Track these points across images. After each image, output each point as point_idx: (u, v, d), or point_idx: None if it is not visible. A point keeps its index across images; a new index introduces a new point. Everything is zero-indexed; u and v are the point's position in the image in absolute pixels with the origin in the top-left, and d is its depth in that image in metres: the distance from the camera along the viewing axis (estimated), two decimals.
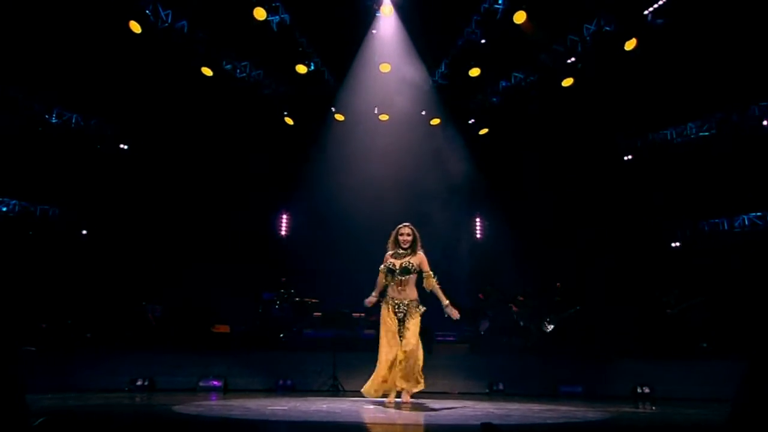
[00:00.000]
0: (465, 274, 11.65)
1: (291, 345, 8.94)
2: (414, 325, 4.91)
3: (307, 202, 11.76)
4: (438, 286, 5.00)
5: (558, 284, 9.55)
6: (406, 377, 4.88)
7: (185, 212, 10.84)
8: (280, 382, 7.43)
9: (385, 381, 4.94)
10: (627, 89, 9.91)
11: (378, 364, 5.01)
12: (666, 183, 10.48)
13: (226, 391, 7.22)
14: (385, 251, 5.16)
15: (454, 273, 11.59)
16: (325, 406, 4.99)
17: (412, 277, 4.98)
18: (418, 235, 5.07)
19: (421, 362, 5.00)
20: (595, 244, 10.43)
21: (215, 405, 5.19)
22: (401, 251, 4.99)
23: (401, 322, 4.92)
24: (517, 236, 11.18)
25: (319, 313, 9.77)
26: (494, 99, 11.44)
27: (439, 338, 9.03)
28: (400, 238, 4.98)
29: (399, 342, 4.89)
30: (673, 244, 10.81)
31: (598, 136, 10.87)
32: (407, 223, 5.07)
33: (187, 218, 10.83)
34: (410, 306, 4.94)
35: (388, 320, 4.97)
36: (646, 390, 7.16)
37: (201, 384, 7.29)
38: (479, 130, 11.95)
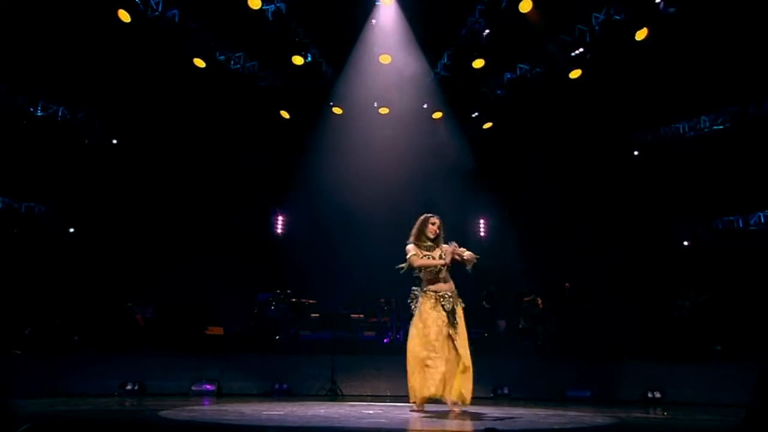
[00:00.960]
0: (470, 275, 11.61)
1: (287, 347, 8.95)
2: (462, 323, 4.78)
3: (304, 198, 11.76)
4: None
5: (567, 284, 9.55)
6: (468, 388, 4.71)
7: (177, 209, 10.83)
8: (276, 386, 7.43)
9: (443, 382, 4.63)
10: (637, 81, 9.87)
11: (417, 364, 4.74)
12: (678, 179, 10.46)
13: (220, 395, 7.22)
14: (406, 243, 5.00)
15: (459, 274, 11.56)
16: (322, 411, 4.98)
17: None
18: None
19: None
20: (603, 242, 10.42)
21: (208, 410, 5.19)
22: (428, 243, 4.88)
23: (450, 314, 4.72)
24: (522, 233, 11.16)
25: (317, 314, 9.77)
26: (499, 91, 11.41)
27: None
28: (431, 227, 4.85)
29: (451, 342, 4.69)
30: (685, 243, 10.80)
31: (606, 130, 10.84)
32: (436, 214, 4.99)
33: (178, 215, 10.81)
34: (455, 297, 4.84)
35: (433, 314, 4.73)
36: (657, 394, 7.15)
37: (193, 388, 7.30)
38: (483, 124, 11.93)
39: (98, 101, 10.17)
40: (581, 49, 9.90)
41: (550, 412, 5.39)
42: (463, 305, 4.90)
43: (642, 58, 9.52)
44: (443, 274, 4.83)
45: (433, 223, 4.88)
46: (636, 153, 11.10)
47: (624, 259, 10.23)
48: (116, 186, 10.50)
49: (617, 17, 9.27)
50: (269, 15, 9.53)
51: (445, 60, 11.02)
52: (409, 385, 4.85)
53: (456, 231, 12.41)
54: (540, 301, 9.65)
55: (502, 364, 8.00)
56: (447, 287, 4.82)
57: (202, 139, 10.93)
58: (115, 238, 10.47)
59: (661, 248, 10.57)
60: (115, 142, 10.68)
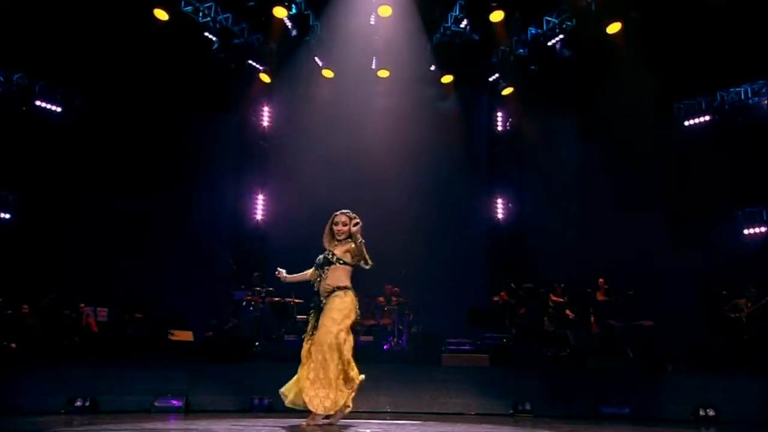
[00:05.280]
0: (484, 266, 11.59)
1: (269, 355, 8.89)
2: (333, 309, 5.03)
3: (287, 178, 11.64)
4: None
5: (601, 280, 9.50)
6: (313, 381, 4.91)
7: (135, 191, 10.66)
8: (256, 400, 7.43)
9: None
10: (689, 36, 9.67)
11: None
12: (738, 155, 10.31)
13: (188, 411, 7.19)
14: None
15: (470, 266, 11.57)
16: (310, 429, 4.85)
17: (336, 269, 5.12)
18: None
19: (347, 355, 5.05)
20: (647, 229, 10.32)
21: (174, 429, 5.10)
22: (337, 243, 5.15)
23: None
24: (549, 218, 11.09)
25: (304, 316, 9.68)
26: (521, 50, 11.31)
27: (452, 347, 8.98)
28: (335, 228, 5.10)
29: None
30: (746, 231, 10.67)
31: (651, 95, 10.62)
32: (345, 210, 5.16)
33: (138, 198, 10.65)
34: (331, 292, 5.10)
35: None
36: (711, 412, 7.08)
37: (157, 404, 7.25)
38: (502, 89, 11.81)
39: (39, 62, 9.97)
40: None
41: None
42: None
43: (695, 8, 9.32)
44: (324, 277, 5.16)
45: (337, 223, 5.10)
46: (687, 123, 10.99)
47: (672, 250, 10.14)
48: (62, 162, 10.35)
49: None
50: None
51: (457, 12, 10.88)
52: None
53: (469, 214, 12.36)
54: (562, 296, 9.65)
55: (523, 376, 7.96)
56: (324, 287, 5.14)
57: (164, 106, 10.77)
58: (63, 225, 10.34)
59: (718, 237, 10.47)
60: (59, 110, 10.52)
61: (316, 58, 11.43)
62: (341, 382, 4.92)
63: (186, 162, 11.09)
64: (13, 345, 8.29)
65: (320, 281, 5.12)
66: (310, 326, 5.13)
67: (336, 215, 5.11)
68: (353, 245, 4.99)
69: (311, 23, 11.04)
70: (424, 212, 10.71)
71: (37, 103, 10.36)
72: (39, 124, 10.35)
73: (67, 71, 10.25)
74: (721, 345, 8.51)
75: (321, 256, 5.16)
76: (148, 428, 5.02)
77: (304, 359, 5.00)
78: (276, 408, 7.32)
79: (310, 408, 4.80)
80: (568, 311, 9.58)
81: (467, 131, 11.95)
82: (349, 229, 4.99)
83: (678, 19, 9.60)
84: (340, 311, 4.99)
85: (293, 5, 10.48)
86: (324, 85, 11.61)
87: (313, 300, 5.21)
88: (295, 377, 5.03)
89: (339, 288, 5.05)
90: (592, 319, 9.30)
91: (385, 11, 10.62)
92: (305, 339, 5.09)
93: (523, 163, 12.00)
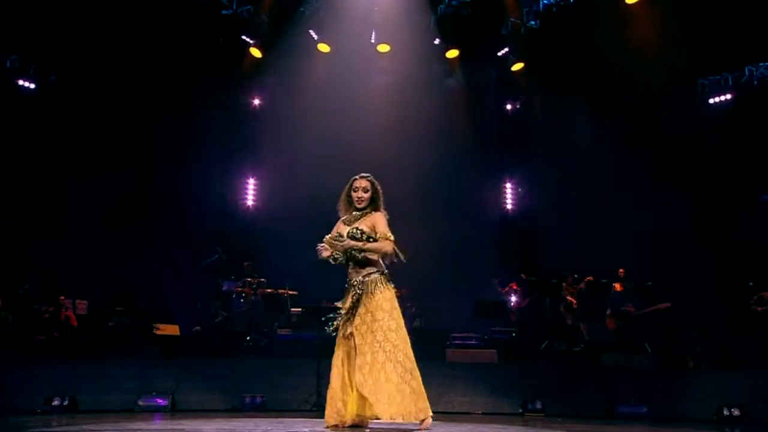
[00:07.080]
0: (492, 257, 11.56)
1: (261, 350, 8.92)
2: (380, 310, 4.39)
3: (280, 160, 11.59)
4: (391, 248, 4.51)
5: (621, 270, 9.48)
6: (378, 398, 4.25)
7: (115, 174, 10.63)
8: (247, 399, 7.43)
9: (339, 410, 4.43)
10: (715, 5, 9.56)
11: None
12: (765, 134, 10.16)
13: (175, 411, 7.22)
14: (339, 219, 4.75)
15: (477, 254, 11.57)
16: (306, 430, 4.84)
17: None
18: (379, 189, 4.66)
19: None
20: (667, 216, 10.29)
21: (159, 429, 5.11)
22: (356, 213, 4.62)
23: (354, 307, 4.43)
24: (562, 203, 11.06)
25: (298, 309, 9.68)
26: (532, 22, 11.20)
27: (457, 341, 8.95)
28: (354, 194, 4.58)
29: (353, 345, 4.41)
30: None
31: (672, 70, 10.54)
32: (365, 174, 4.69)
33: (118, 182, 10.63)
34: (367, 285, 4.47)
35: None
36: (736, 412, 7.04)
37: (141, 403, 7.26)
38: (512, 64, 11.74)
39: (11, 36, 9.85)
40: None
41: None
42: (389, 287, 4.54)
43: None
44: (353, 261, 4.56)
45: (356, 189, 4.60)
46: (711, 101, 10.90)
47: (694, 238, 10.10)
48: (36, 143, 10.28)
49: None
50: None
51: None
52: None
53: (476, 201, 12.27)
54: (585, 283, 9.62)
55: (533, 372, 7.99)
56: (354, 275, 4.56)
57: (145, 85, 10.67)
58: (37, 210, 10.26)
59: (743, 224, 10.40)
60: (33, 86, 10.49)
61: (311, 32, 11.31)
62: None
63: (170, 143, 11.00)
64: None
65: (350, 269, 4.54)
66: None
67: (355, 180, 4.62)
68: (379, 220, 4.48)
69: None
70: (426, 197, 10.69)
71: (9, 78, 10.25)
72: (11, 101, 10.25)
73: (41, 45, 10.12)
74: (746, 340, 8.50)
75: (349, 230, 4.49)
76: (131, 429, 5.02)
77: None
78: (269, 406, 7.37)
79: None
80: (570, 297, 9.56)
81: (474, 110, 11.91)
82: (371, 197, 4.55)
83: None
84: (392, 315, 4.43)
85: None
86: (320, 61, 11.50)
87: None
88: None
89: (379, 274, 4.50)
90: (609, 312, 9.29)
91: None
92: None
93: (533, 143, 11.98)
